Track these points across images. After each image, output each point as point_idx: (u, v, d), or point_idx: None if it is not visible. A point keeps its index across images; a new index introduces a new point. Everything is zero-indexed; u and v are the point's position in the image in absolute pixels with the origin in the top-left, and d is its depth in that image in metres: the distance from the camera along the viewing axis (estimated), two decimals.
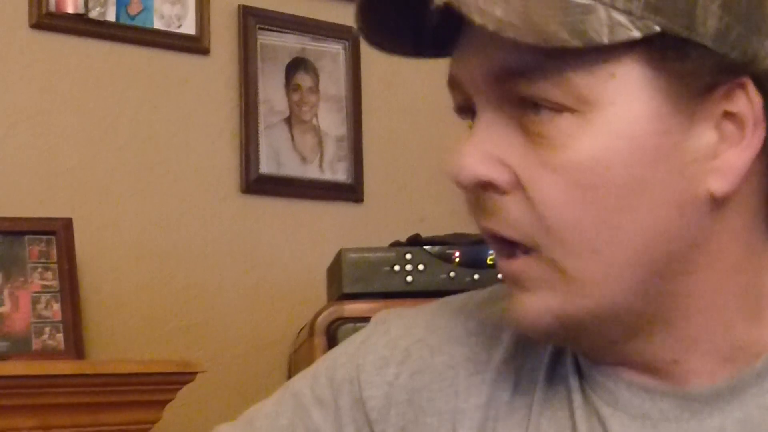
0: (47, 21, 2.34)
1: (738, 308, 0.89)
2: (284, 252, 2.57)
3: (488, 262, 2.18)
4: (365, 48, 2.62)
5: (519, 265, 0.85)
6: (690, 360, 0.88)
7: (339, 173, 2.69)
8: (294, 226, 2.61)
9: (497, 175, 0.83)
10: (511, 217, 0.84)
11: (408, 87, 2.76)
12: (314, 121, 2.67)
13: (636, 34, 0.79)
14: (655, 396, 0.90)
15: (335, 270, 2.25)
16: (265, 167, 2.58)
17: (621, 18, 0.78)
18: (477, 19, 0.78)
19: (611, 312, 0.85)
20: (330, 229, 2.61)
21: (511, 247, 0.85)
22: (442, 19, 0.85)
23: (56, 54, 2.36)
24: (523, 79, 0.81)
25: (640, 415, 0.90)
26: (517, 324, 0.88)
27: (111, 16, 2.41)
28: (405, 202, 2.75)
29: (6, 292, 2.12)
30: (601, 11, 0.79)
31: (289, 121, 2.64)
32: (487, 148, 0.83)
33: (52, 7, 2.34)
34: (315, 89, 2.68)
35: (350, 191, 2.71)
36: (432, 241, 2.25)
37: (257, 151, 2.58)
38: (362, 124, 2.75)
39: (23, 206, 2.23)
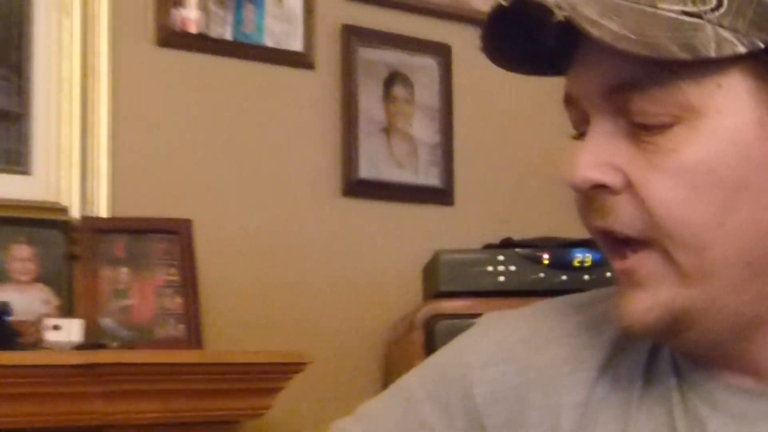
0: (172, 39, 2.38)
1: None
2: (380, 251, 2.58)
3: (575, 264, 2.20)
4: (456, 62, 2.68)
5: (633, 262, 0.85)
6: None
7: (431, 178, 2.69)
8: (390, 227, 2.61)
9: (610, 177, 0.84)
10: (624, 214, 0.84)
11: (496, 98, 2.74)
12: (409, 130, 2.67)
13: (741, 49, 0.79)
14: (753, 397, 0.89)
15: (431, 269, 2.28)
16: (364, 172, 2.59)
17: (727, 35, 0.79)
18: (595, 32, 0.79)
19: (717, 307, 0.84)
20: (423, 230, 2.61)
21: (623, 246, 0.86)
22: (558, 41, 0.88)
23: (179, 69, 2.40)
24: (636, 91, 0.82)
25: (739, 415, 0.89)
26: (628, 319, 0.87)
27: (228, 35, 2.44)
28: (493, 205, 2.73)
29: (134, 287, 2.14)
30: (709, 29, 0.80)
31: (386, 130, 2.64)
32: (600, 154, 0.84)
33: (177, 27, 2.36)
34: (410, 100, 2.67)
35: (442, 195, 2.70)
36: (522, 244, 2.27)
37: (357, 157, 2.58)
38: (453, 133, 2.73)
39: (149, 208, 2.27)
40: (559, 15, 0.79)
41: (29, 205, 2.16)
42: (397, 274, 2.52)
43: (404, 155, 2.65)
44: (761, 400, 0.88)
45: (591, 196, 0.86)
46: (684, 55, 0.78)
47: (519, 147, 2.77)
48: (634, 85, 0.82)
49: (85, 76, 2.24)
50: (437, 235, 2.51)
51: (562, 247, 2.23)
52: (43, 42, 2.22)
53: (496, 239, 2.32)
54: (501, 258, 2.20)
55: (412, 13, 2.69)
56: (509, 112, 2.77)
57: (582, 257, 2.19)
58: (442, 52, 2.72)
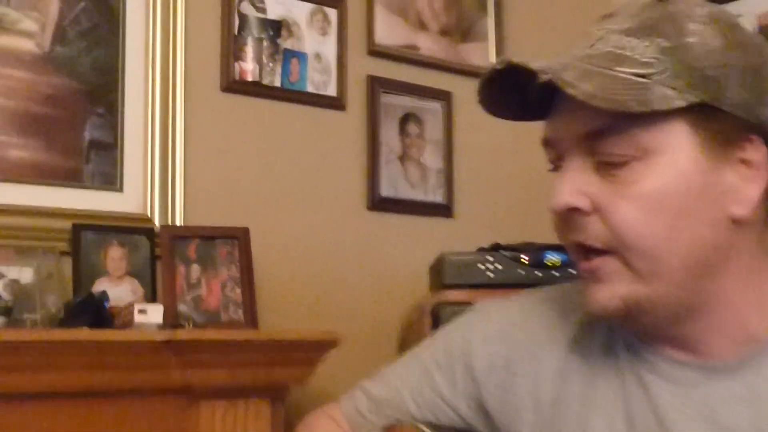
0: (233, 86, 2.38)
1: (750, 304, 0.90)
2: (397, 253, 2.60)
3: (548, 263, 2.23)
4: (456, 106, 2.71)
5: (597, 263, 0.88)
6: (712, 341, 0.90)
7: (437, 196, 2.69)
8: (404, 234, 2.62)
9: (582, 203, 0.87)
10: (592, 231, 0.87)
11: (487, 135, 2.74)
12: (420, 159, 2.68)
13: (681, 103, 0.83)
14: (685, 366, 0.91)
15: (437, 267, 2.29)
16: (385, 191, 2.60)
17: (670, 92, 0.83)
18: (571, 91, 0.83)
19: (663, 300, 0.87)
20: (430, 237, 2.62)
21: (588, 252, 0.89)
22: (539, 95, 0.90)
23: (239, 110, 2.41)
24: (602, 137, 0.86)
25: (674, 380, 0.92)
26: (592, 307, 0.90)
27: (277, 83, 2.44)
28: (485, 217, 2.74)
29: (203, 280, 2.15)
30: (657, 88, 0.83)
31: (402, 158, 2.64)
32: (574, 185, 0.88)
33: (237, 76, 2.38)
34: (421, 135, 2.68)
35: (445, 209, 2.71)
36: (507, 248, 2.29)
37: (379, 179, 2.58)
38: (453, 161, 2.74)
39: (215, 218, 2.28)
40: (544, 78, 0.83)
41: (121, 216, 2.17)
42: (410, 272, 2.52)
43: (416, 178, 2.66)
44: (691, 369, 0.91)
45: (566, 217, 0.89)
46: (639, 108, 0.82)
47: (505, 172, 2.79)
48: (601, 132, 0.85)
49: (164, 114, 2.25)
50: (441, 241, 2.51)
51: (537, 250, 2.25)
52: (132, 87, 2.23)
53: (487, 244, 2.33)
54: (491, 259, 2.22)
55: (422, 67, 2.71)
56: (497, 146, 2.77)
57: (553, 258, 2.21)
58: (445, 97, 2.73)
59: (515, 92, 0.92)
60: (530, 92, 0.90)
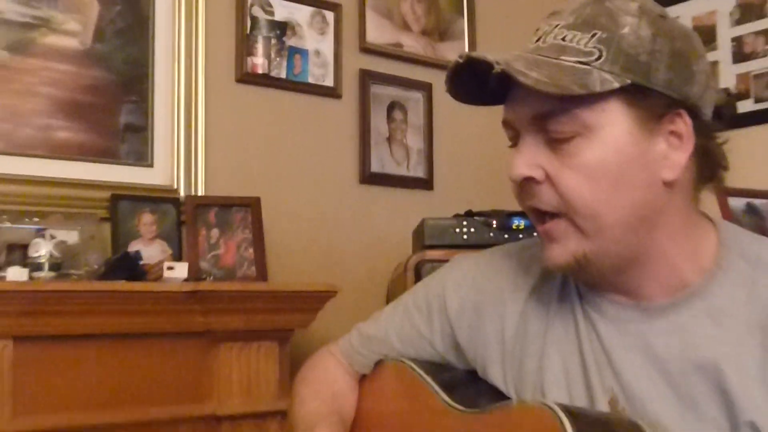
0: (246, 78, 2.39)
1: (682, 255, 0.90)
2: (385, 219, 2.60)
3: (514, 227, 2.23)
4: (435, 95, 2.70)
5: (550, 225, 0.89)
6: (648, 287, 0.91)
7: (419, 172, 2.70)
8: (391, 204, 2.63)
9: (535, 173, 0.88)
10: (544, 197, 0.88)
11: (461, 119, 2.75)
12: (404, 140, 2.68)
13: (616, 84, 0.83)
14: (626, 308, 0.93)
15: (419, 231, 2.29)
16: (375, 167, 2.60)
17: (607, 76, 0.83)
18: (523, 79, 0.83)
19: (606, 254, 0.88)
20: (413, 206, 2.62)
21: (543, 216, 0.90)
22: (497, 83, 0.90)
23: (251, 98, 2.41)
24: (551, 117, 0.86)
25: (615, 319, 0.93)
26: (548, 262, 0.90)
27: (283, 75, 2.45)
28: (459, 189, 2.75)
29: (221, 242, 2.16)
30: (595, 73, 0.83)
31: (388, 140, 2.64)
32: (529, 158, 0.88)
33: (249, 69, 2.38)
34: (405, 121, 2.68)
35: (426, 183, 2.72)
36: (479, 214, 2.28)
37: (369, 157, 2.59)
38: (433, 142, 2.74)
39: (232, 189, 2.29)
40: (498, 68, 0.83)
41: (152, 188, 2.19)
42: (396, 234, 2.53)
43: (401, 157, 2.67)
44: (630, 310, 0.92)
45: (523, 185, 0.90)
46: (581, 91, 0.83)
47: (476, 151, 2.79)
48: (550, 113, 0.86)
49: (188, 101, 2.26)
50: (422, 209, 2.52)
51: (505, 216, 2.24)
52: (160, 78, 2.24)
53: (461, 211, 2.33)
54: (465, 224, 2.23)
55: (406, 62, 2.71)
56: (470, 129, 2.78)
57: (518, 223, 2.21)
58: (426, 88, 2.74)
59: (477, 81, 0.91)
60: (490, 81, 0.89)
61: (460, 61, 0.89)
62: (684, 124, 0.86)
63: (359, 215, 2.56)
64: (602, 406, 0.90)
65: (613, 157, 0.85)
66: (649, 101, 0.85)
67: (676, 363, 0.87)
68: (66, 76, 2.11)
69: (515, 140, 0.91)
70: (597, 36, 0.84)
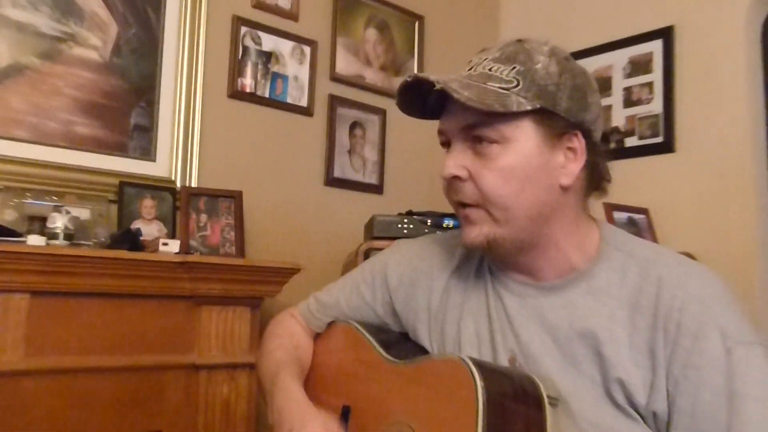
0: (236, 94, 2.35)
1: (572, 245, 0.92)
2: (343, 215, 2.58)
3: (444, 226, 2.23)
4: (389, 118, 2.70)
5: (470, 212, 0.90)
6: (544, 269, 0.93)
7: (372, 179, 2.68)
8: (349, 203, 2.61)
9: (461, 172, 0.89)
10: (467, 192, 0.90)
11: (408, 139, 2.76)
12: (362, 153, 2.66)
13: (529, 107, 0.85)
14: (526, 285, 0.94)
15: (370, 225, 2.29)
16: (337, 173, 2.58)
17: (522, 100, 0.85)
18: (456, 96, 0.84)
19: (512, 238, 0.89)
20: (366, 205, 2.60)
21: (465, 207, 0.91)
22: (436, 101, 0.91)
23: (240, 111, 2.37)
24: (477, 128, 0.87)
25: (518, 294, 0.95)
26: (466, 240, 0.91)
27: (267, 95, 2.41)
28: (403, 193, 2.74)
29: (209, 225, 2.13)
30: (513, 97, 0.85)
31: (349, 152, 2.63)
32: (457, 161, 0.89)
33: (239, 87, 2.35)
34: (363, 137, 2.66)
35: (377, 188, 2.70)
36: (418, 214, 2.28)
37: (333, 165, 2.56)
38: (385, 155, 2.73)
39: (219, 183, 2.25)
40: (438, 86, 0.85)
41: (153, 178, 2.14)
42: (351, 227, 2.52)
43: (358, 166, 2.65)
44: (530, 287, 0.94)
45: (451, 182, 0.91)
46: (501, 109, 0.84)
47: (418, 164, 2.79)
48: (476, 125, 0.87)
49: (187, 110, 2.22)
50: (373, 208, 2.51)
51: (438, 216, 2.25)
52: (166, 89, 2.20)
53: (404, 211, 2.33)
54: (406, 221, 2.23)
55: (366, 91, 2.69)
56: (414, 146, 2.78)
57: (448, 222, 2.22)
58: (381, 112, 2.72)
59: (421, 99, 0.93)
60: (430, 99, 0.91)
61: (409, 80, 0.90)
62: (579, 143, 0.88)
63: (322, 211, 2.54)
64: (504, 362, 0.92)
65: (523, 163, 0.86)
66: (554, 122, 0.87)
67: (563, 330, 0.89)
68: (87, 82, 2.06)
69: (447, 146, 0.92)
70: (516, 69, 0.86)
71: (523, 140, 0.86)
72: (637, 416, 0.83)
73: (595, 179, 0.93)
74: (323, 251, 2.47)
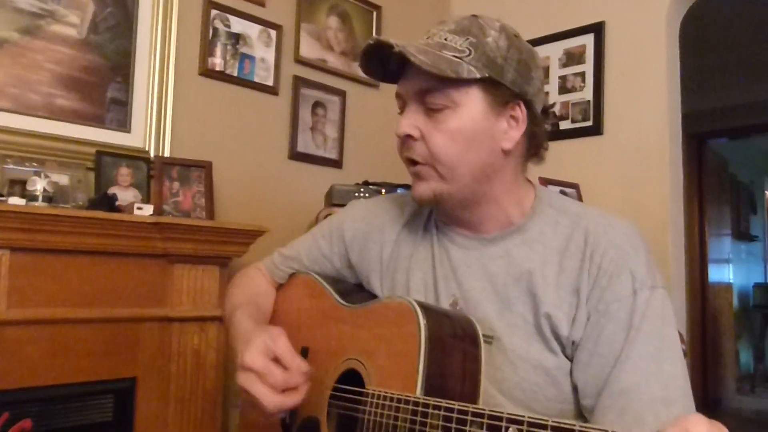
0: (207, 73, 2.32)
1: (510, 202, 0.94)
2: (305, 186, 2.58)
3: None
4: (349, 99, 2.69)
5: (420, 168, 0.91)
6: (486, 223, 0.94)
7: (333, 154, 2.68)
8: (311, 176, 2.61)
9: (414, 132, 0.90)
10: (418, 150, 0.90)
11: (365, 116, 2.77)
12: (323, 130, 2.66)
13: (478, 75, 0.86)
14: (469, 238, 0.96)
15: (329, 193, 2.31)
16: (300, 148, 2.57)
17: (473, 69, 0.86)
18: (413, 59, 0.85)
19: (457, 195, 0.91)
20: (327, 177, 2.61)
21: (416, 163, 0.91)
22: (395, 65, 0.91)
23: (211, 88, 2.35)
24: (430, 92, 0.88)
25: (462, 246, 0.96)
26: (415, 194, 0.92)
27: (235, 73, 2.39)
28: (360, 166, 2.75)
29: (181, 192, 2.12)
30: (465, 65, 0.86)
31: (312, 129, 2.62)
32: (411, 122, 0.90)
33: (210, 66, 2.33)
34: (325, 116, 2.66)
35: (337, 163, 2.70)
36: (373, 184, 2.30)
37: (297, 140, 2.56)
38: (345, 133, 2.73)
39: (191, 153, 2.24)
40: (397, 49, 0.85)
41: (130, 149, 2.11)
42: (313, 196, 2.51)
43: (320, 142, 2.64)
44: (472, 240, 0.95)
45: (404, 141, 0.90)
46: (453, 75, 0.84)
47: (375, 140, 2.80)
48: (429, 90, 0.87)
49: (161, 86, 2.20)
50: (333, 180, 2.53)
51: (392, 186, 2.27)
52: (140, 66, 2.17)
53: (360, 181, 2.36)
54: (362, 190, 2.25)
55: (328, 73, 2.69)
56: (370, 125, 2.79)
57: (401, 191, 2.23)
58: (342, 94, 2.72)
59: (382, 63, 0.92)
60: (390, 63, 0.91)
61: (371, 42, 0.90)
62: (521, 112, 0.89)
63: (286, 181, 2.53)
64: (446, 306, 0.94)
65: (470, 126, 0.87)
66: (499, 92, 0.87)
67: (501, 276, 0.91)
68: (66, 57, 2.02)
69: (403, 108, 0.92)
70: (469, 40, 0.87)
71: (471, 106, 0.86)
72: (559, 349, 0.86)
73: (533, 146, 0.94)
74: (287, 217, 2.46)
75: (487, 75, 0.86)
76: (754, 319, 5.94)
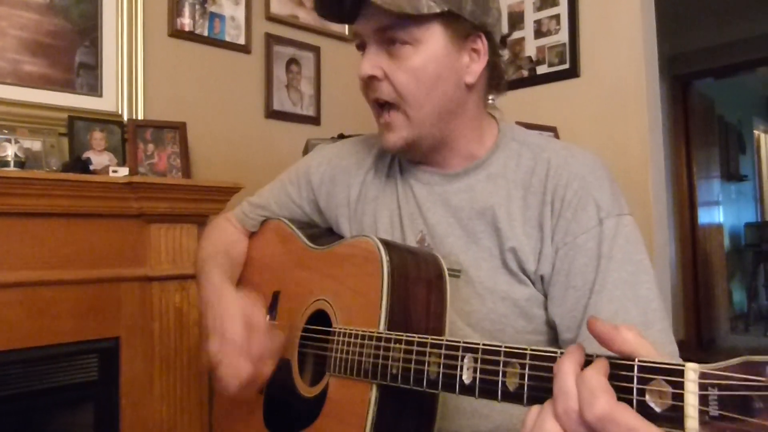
0: (176, 33, 2.30)
1: (473, 137, 0.93)
2: (282, 144, 2.57)
3: None
4: (323, 55, 2.64)
5: (388, 117, 0.89)
6: (450, 159, 0.94)
7: (310, 111, 2.67)
8: (288, 132, 2.59)
9: (377, 72, 0.88)
10: (384, 90, 0.88)
11: (341, 73, 2.75)
12: (299, 87, 2.64)
13: (437, 9, 0.84)
14: (434, 175, 0.95)
15: (306, 149, 2.28)
16: (276, 107, 2.56)
17: (432, 4, 0.83)
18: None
19: (425, 137, 0.90)
20: (304, 133, 2.58)
21: (382, 108, 0.90)
22: (352, 5, 0.88)
23: (180, 48, 2.33)
24: (390, 30, 0.86)
25: (426, 182, 0.95)
26: (387, 145, 0.91)
27: (205, 33, 2.37)
28: (337, 122, 2.73)
29: (155, 153, 2.11)
30: (424, 1, 0.83)
31: (287, 86, 2.60)
32: (373, 62, 0.88)
33: (179, 27, 2.30)
34: (299, 73, 2.64)
35: (314, 120, 2.69)
36: (348, 136, 2.25)
37: (272, 99, 2.54)
38: (321, 90, 2.72)
39: (164, 115, 2.23)
40: None
41: (102, 113, 2.10)
42: (290, 154, 2.48)
43: (296, 99, 2.63)
44: (435, 176, 0.94)
45: (368, 82, 0.89)
46: (412, 11, 0.83)
47: (350, 96, 2.76)
48: (390, 27, 0.85)
49: (130, 48, 2.17)
50: (311, 135, 2.51)
51: None
52: (108, 29, 2.14)
53: (336, 135, 2.34)
54: (338, 143, 2.24)
55: (301, 29, 2.66)
56: (346, 79, 2.76)
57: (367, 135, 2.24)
58: (315, 50, 2.70)
59: (338, 2, 0.89)
60: (347, 3, 0.88)
61: None
62: (482, 44, 0.88)
63: (263, 140, 2.52)
64: (413, 243, 0.93)
65: (432, 62, 0.85)
66: (459, 25, 0.86)
67: (465, 211, 0.90)
68: (31, 23, 2.00)
69: (362, 49, 0.90)
70: None
71: (433, 42, 0.85)
72: (528, 281, 0.85)
73: (494, 77, 0.93)
74: (265, 175, 2.40)
75: (446, 9, 0.84)
76: (746, 259, 5.96)
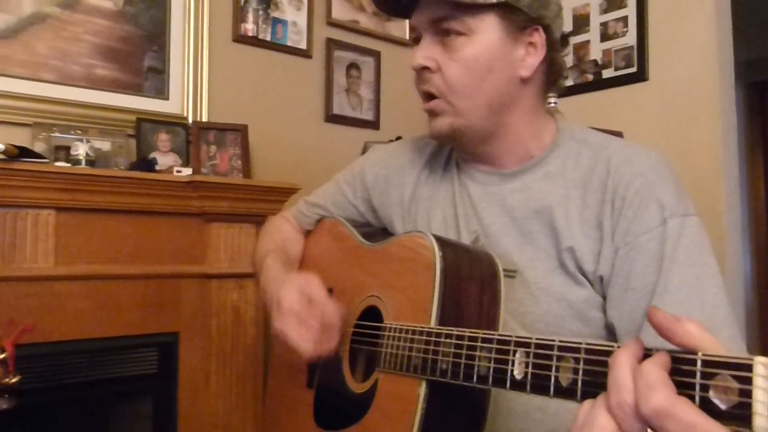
0: (240, 38, 2.36)
1: (529, 134, 0.91)
2: (341, 146, 2.59)
3: None
4: (383, 59, 2.66)
5: (434, 104, 0.89)
6: (505, 158, 0.92)
7: (369, 115, 2.69)
8: (347, 135, 2.62)
9: (430, 63, 0.87)
10: (434, 82, 0.87)
11: (400, 77, 2.75)
12: (358, 92, 2.67)
13: (493, 0, 0.83)
14: (489, 174, 0.94)
15: (364, 151, 2.28)
16: (335, 111, 2.59)
17: None
18: None
19: (474, 128, 0.89)
20: (364, 136, 2.60)
21: (431, 98, 0.89)
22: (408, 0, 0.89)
23: (244, 53, 2.38)
24: (445, 21, 0.85)
25: (482, 183, 0.94)
26: (432, 131, 0.91)
27: (268, 38, 2.42)
28: (396, 128, 2.73)
29: (218, 155, 2.16)
30: None
31: (347, 91, 2.63)
32: (426, 53, 0.88)
33: (242, 32, 2.36)
34: (359, 77, 2.66)
35: (373, 124, 2.71)
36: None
37: (332, 104, 2.57)
38: (381, 94, 2.73)
39: (227, 118, 2.27)
40: None
41: (168, 115, 2.17)
42: (348, 153, 2.49)
43: (356, 103, 2.65)
44: (492, 175, 0.93)
45: (420, 73, 0.88)
46: (469, 1, 0.81)
47: (408, 102, 2.75)
48: (444, 18, 0.85)
49: (196, 53, 2.24)
50: (369, 138, 2.53)
51: None
52: (176, 35, 2.22)
53: (394, 138, 2.33)
54: (393, 143, 2.23)
55: (361, 34, 2.69)
56: (406, 84, 2.75)
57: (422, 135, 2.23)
58: (376, 55, 2.72)
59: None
60: None
61: None
62: (539, 38, 0.86)
63: (322, 144, 2.55)
64: (467, 243, 0.92)
65: (486, 54, 0.84)
66: (516, 17, 0.84)
67: (521, 210, 0.89)
68: (104, 29, 2.09)
69: (417, 41, 0.90)
70: None
71: (487, 32, 0.84)
72: (586, 282, 0.83)
73: (552, 74, 0.91)
74: (322, 177, 2.44)
75: (503, 0, 0.82)
76: None
